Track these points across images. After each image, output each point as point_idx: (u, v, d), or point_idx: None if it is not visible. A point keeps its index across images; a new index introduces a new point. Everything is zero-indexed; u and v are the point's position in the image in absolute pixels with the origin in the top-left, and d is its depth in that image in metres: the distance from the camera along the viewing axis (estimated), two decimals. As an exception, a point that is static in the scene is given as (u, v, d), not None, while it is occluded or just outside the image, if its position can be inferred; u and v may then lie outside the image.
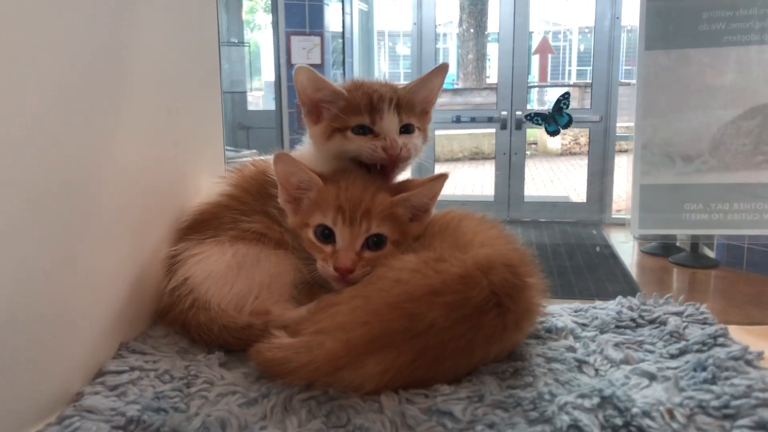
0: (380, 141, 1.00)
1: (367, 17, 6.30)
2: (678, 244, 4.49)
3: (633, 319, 1.02)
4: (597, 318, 1.03)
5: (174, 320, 0.98)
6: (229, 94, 5.77)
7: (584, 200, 5.80)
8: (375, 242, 0.95)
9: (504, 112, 5.71)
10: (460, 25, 9.02)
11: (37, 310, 0.77)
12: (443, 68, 1.07)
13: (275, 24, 5.14)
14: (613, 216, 5.64)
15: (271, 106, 5.55)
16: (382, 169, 1.04)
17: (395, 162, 1.03)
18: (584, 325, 1.02)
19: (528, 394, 0.78)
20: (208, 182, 1.10)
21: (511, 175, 5.75)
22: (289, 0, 5.06)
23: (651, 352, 0.92)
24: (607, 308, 1.07)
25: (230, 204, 1.04)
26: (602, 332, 0.99)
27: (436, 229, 0.98)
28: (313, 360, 0.79)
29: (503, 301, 0.83)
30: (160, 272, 1.02)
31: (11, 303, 0.73)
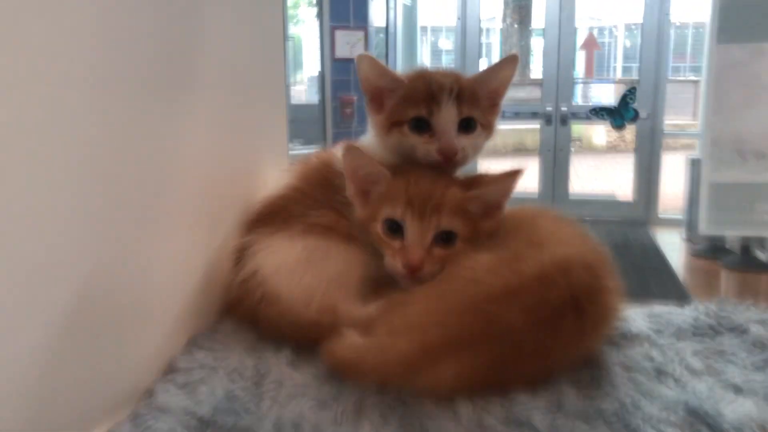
0: (435, 143, 0.96)
1: (410, 12, 6.26)
2: (728, 246, 4.36)
3: (711, 326, 0.98)
4: (672, 324, 0.99)
5: (244, 314, 0.97)
6: (273, 87, 5.78)
7: (630, 199, 5.69)
8: (445, 238, 0.91)
9: (549, 108, 5.65)
10: (504, 20, 8.93)
11: (108, 303, 0.76)
12: (513, 59, 1.02)
13: (320, 18, 5.13)
14: (659, 215, 5.53)
15: (314, 99, 5.55)
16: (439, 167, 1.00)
17: (451, 165, 0.99)
18: (659, 331, 0.98)
19: (609, 405, 0.75)
20: (274, 175, 1.09)
21: (555, 171, 5.69)
22: (334, -6, 5.05)
23: (733, 362, 0.88)
24: (683, 313, 1.02)
25: (297, 197, 1.02)
26: (679, 339, 0.95)
27: (510, 227, 0.94)
28: (387, 361, 0.77)
29: (582, 304, 0.80)
30: (229, 265, 1.01)
31: (83, 296, 0.72)
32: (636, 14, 5.70)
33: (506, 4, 8.74)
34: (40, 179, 0.65)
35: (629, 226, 5.34)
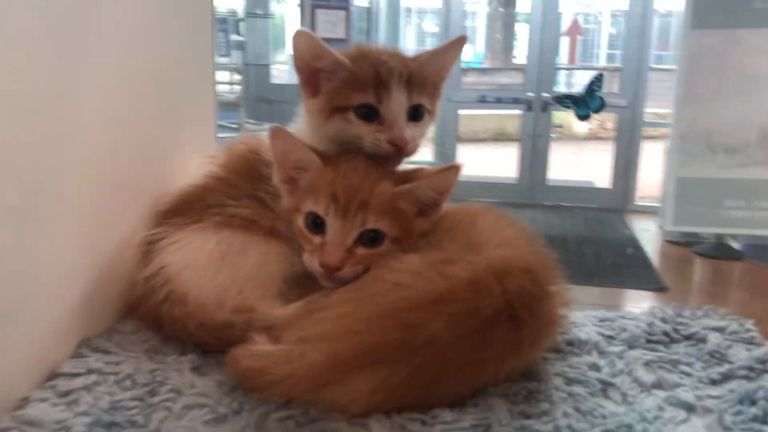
0: (385, 132, 0.88)
1: (394, -7, 6.13)
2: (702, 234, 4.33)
3: (666, 333, 0.90)
4: (625, 330, 0.91)
5: (146, 314, 0.87)
6: (252, 66, 5.64)
7: (608, 186, 5.66)
8: (371, 238, 0.82)
9: (530, 94, 5.58)
10: (489, 3, 8.82)
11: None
12: (461, 40, 0.93)
13: (301, -5, 4.99)
14: (636, 203, 5.52)
15: (295, 80, 5.42)
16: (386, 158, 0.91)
17: (401, 156, 0.90)
18: (611, 337, 0.90)
19: (544, 427, 0.67)
20: (197, 162, 0.99)
21: (535, 157, 5.64)
22: (316, -28, 4.92)
23: (688, 375, 0.81)
24: (637, 319, 0.95)
25: (217, 186, 0.93)
26: (631, 347, 0.87)
27: (447, 226, 0.85)
28: (293, 373, 0.68)
29: (519, 313, 0.72)
30: (135, 259, 0.91)
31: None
32: (622, 1, 5.64)
33: (491, -14, 8.64)
34: None
35: (606, 213, 5.32)
